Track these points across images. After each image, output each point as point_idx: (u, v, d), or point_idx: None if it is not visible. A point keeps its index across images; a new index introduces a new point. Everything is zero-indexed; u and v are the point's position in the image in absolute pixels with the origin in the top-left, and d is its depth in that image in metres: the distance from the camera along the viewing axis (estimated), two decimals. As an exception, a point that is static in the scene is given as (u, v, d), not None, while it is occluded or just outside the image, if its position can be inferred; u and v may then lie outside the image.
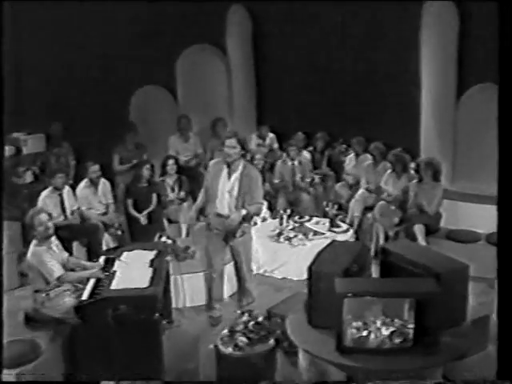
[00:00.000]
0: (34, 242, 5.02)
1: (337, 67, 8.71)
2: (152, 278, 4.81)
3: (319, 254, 5.18)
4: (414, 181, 7.25)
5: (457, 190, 7.72)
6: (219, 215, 5.41)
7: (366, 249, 5.35)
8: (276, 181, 8.22)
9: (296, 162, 8.20)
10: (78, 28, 8.11)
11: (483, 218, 7.27)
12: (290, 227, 7.14)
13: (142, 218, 7.31)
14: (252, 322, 4.03)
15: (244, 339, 3.94)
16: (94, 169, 7.09)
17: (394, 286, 4.48)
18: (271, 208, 7.87)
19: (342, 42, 8.53)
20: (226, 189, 5.37)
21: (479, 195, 7.42)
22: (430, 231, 7.02)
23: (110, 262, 5.30)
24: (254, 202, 5.39)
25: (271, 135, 8.62)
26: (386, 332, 4.35)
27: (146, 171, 7.36)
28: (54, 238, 5.11)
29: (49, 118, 8.03)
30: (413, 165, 7.76)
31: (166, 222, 7.52)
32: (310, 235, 6.98)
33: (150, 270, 5.01)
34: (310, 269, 5.00)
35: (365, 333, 4.35)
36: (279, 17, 8.68)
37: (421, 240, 6.81)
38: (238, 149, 5.34)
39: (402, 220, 7.30)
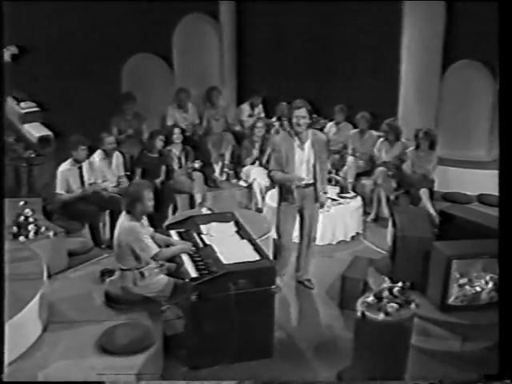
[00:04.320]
0: (125, 216, 4.69)
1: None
2: (257, 250, 4.76)
3: (394, 220, 5.45)
4: (411, 148, 7.69)
5: (443, 156, 8.24)
6: (299, 187, 5.47)
7: (430, 214, 5.70)
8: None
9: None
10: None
11: (470, 182, 8.05)
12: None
13: None
14: (396, 288, 4.14)
15: (394, 305, 4.06)
16: (110, 140, 6.68)
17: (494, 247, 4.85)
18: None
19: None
20: (304, 159, 5.42)
21: (465, 161, 8.10)
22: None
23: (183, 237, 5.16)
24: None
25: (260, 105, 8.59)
26: (491, 286, 4.78)
27: (159, 142, 7.06)
28: None
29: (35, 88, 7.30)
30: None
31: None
32: (329, 202, 7.15)
33: (245, 241, 4.95)
34: (395, 234, 5.26)
35: (478, 288, 4.73)
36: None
37: (427, 202, 7.29)
38: (308, 118, 5.39)
39: (400, 184, 7.77)
